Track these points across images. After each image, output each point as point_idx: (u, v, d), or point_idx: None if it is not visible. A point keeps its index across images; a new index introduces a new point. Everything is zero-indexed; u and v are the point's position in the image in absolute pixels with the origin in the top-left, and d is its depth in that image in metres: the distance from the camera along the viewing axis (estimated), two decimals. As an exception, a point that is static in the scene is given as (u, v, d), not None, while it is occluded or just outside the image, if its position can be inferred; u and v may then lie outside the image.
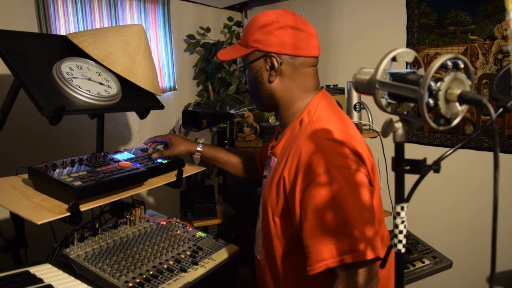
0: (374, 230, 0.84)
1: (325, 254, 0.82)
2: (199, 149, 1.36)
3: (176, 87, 2.47)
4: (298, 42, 0.99)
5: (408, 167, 0.57)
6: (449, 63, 0.53)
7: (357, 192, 0.85)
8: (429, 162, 0.54)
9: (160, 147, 1.40)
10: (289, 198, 0.93)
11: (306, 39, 1.00)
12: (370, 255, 0.80)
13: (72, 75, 1.21)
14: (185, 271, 1.09)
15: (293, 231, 0.94)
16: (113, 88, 1.31)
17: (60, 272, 0.85)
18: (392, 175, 0.60)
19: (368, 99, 1.67)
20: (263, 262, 1.06)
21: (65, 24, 1.83)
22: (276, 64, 0.99)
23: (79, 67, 1.27)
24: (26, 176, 1.12)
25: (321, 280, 0.89)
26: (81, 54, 1.30)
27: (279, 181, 0.96)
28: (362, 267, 0.82)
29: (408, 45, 2.09)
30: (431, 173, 0.54)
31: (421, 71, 0.60)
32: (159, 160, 1.33)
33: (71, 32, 1.84)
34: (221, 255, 1.22)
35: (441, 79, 0.52)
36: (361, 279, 0.82)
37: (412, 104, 0.60)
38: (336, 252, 0.81)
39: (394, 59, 0.59)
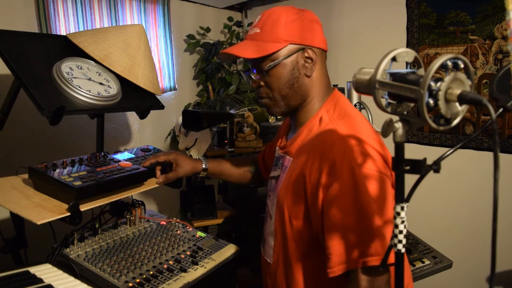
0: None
1: (346, 256, 0.81)
2: (204, 166, 1.31)
3: (176, 87, 2.47)
4: (321, 36, 0.99)
5: (408, 167, 0.56)
6: (449, 63, 0.53)
7: (380, 194, 0.82)
8: (429, 162, 0.54)
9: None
10: (310, 198, 0.90)
11: (323, 34, 1.01)
12: (391, 259, 0.78)
13: (72, 75, 1.22)
14: (185, 271, 1.09)
15: (312, 233, 0.91)
16: (113, 88, 1.31)
17: (60, 272, 0.86)
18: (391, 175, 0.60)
19: (368, 99, 1.67)
20: (274, 266, 1.03)
21: (65, 24, 1.83)
22: (313, 56, 0.96)
23: (79, 67, 1.27)
24: (26, 176, 1.12)
25: (338, 283, 0.87)
26: (81, 54, 1.30)
27: (298, 181, 0.93)
28: (382, 271, 0.81)
29: (408, 45, 2.09)
30: (431, 173, 0.54)
31: (421, 71, 0.60)
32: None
33: (71, 32, 1.84)
34: (221, 255, 1.22)
35: (441, 79, 0.52)
36: (379, 282, 0.81)
37: (412, 104, 0.60)
38: (358, 254, 0.80)
39: (394, 59, 0.59)
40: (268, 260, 1.06)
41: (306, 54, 0.96)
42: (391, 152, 0.62)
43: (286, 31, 0.95)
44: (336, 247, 0.82)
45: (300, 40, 0.95)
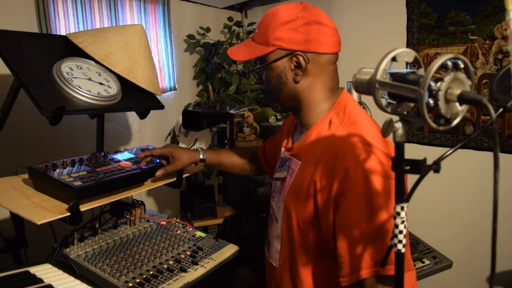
0: (409, 242, 0.81)
1: (360, 265, 0.79)
2: (201, 157, 1.29)
3: (176, 87, 2.47)
4: (324, 38, 0.92)
5: (408, 167, 0.56)
6: (449, 63, 0.53)
7: (393, 201, 0.82)
8: (429, 162, 0.54)
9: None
10: (320, 204, 0.88)
11: (330, 35, 0.93)
12: (405, 269, 0.77)
13: (72, 75, 1.22)
14: (185, 271, 1.09)
15: (321, 239, 0.90)
16: (113, 88, 1.31)
17: (60, 272, 0.86)
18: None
19: (368, 99, 1.67)
20: (280, 269, 1.01)
21: (65, 24, 1.83)
22: (303, 63, 0.92)
23: (79, 67, 1.27)
24: (26, 176, 1.12)
25: None
26: (81, 54, 1.30)
27: (308, 186, 0.90)
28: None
29: (408, 45, 2.09)
30: (430, 173, 0.54)
31: (421, 71, 0.60)
32: (159, 160, 1.32)
33: (71, 32, 1.84)
34: (221, 255, 1.22)
35: (441, 79, 0.52)
36: None
37: (412, 104, 0.60)
38: (371, 262, 0.78)
39: (394, 59, 0.59)
40: (274, 264, 1.04)
41: (295, 59, 0.93)
42: (391, 152, 0.62)
43: (276, 35, 0.92)
44: (349, 255, 0.81)
45: (289, 45, 0.92)
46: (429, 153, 2.01)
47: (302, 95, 0.97)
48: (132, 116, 2.23)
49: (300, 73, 0.94)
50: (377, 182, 0.80)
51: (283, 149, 1.10)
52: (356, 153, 0.84)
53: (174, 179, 1.34)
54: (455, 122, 0.54)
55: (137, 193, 1.20)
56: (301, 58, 0.92)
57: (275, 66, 0.95)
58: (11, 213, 1.00)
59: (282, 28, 0.91)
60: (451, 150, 0.54)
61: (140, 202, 1.37)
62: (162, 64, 2.36)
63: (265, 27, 0.95)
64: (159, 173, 1.24)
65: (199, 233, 1.33)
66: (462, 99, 0.51)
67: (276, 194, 1.06)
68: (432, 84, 0.52)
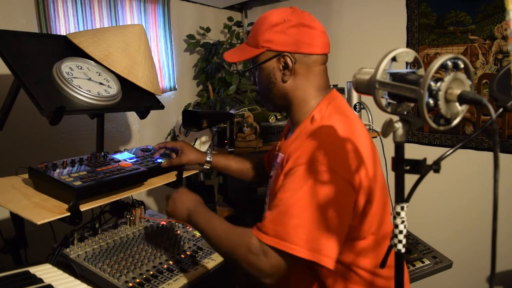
0: (322, 237, 0.82)
1: (265, 229, 0.85)
2: (208, 159, 1.36)
3: (176, 87, 2.47)
4: (311, 40, 0.98)
5: (408, 167, 0.57)
6: (449, 63, 0.53)
7: (328, 198, 0.83)
8: (429, 162, 0.54)
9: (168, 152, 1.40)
10: None
11: (318, 37, 0.99)
12: (298, 252, 0.80)
13: (72, 75, 1.22)
14: (185, 271, 1.09)
15: None
16: (113, 88, 1.31)
17: (60, 272, 0.86)
18: (392, 175, 0.60)
19: (368, 99, 1.67)
20: None
21: (65, 24, 1.83)
22: (290, 64, 0.98)
23: (79, 67, 1.27)
24: (26, 176, 1.12)
25: (334, 281, 0.91)
26: (81, 54, 1.30)
27: (280, 177, 0.94)
28: (282, 256, 0.83)
29: (408, 45, 2.09)
30: (430, 173, 0.54)
31: (421, 71, 0.60)
32: (159, 160, 1.33)
33: (71, 32, 1.84)
34: (221, 255, 1.22)
35: (441, 79, 0.52)
36: (269, 261, 0.83)
37: (412, 104, 0.60)
38: (273, 233, 0.83)
39: (394, 59, 0.59)
40: None
41: (282, 60, 0.98)
42: (390, 152, 0.62)
43: (265, 38, 0.98)
44: (265, 219, 0.86)
45: (277, 47, 0.97)
46: (429, 153, 2.01)
47: (290, 94, 1.03)
48: (132, 116, 2.23)
49: (287, 73, 1.00)
50: (317, 171, 0.84)
51: (277, 148, 1.15)
52: (315, 144, 0.87)
53: (174, 179, 1.34)
54: (455, 122, 0.54)
55: (137, 193, 1.20)
56: (288, 59, 0.98)
57: (265, 67, 1.01)
58: (11, 213, 1.00)
59: (270, 31, 0.98)
60: (451, 150, 0.54)
61: (140, 202, 1.37)
62: (162, 64, 2.36)
63: (256, 30, 1.01)
64: (164, 163, 1.32)
65: (199, 233, 1.33)
66: (462, 99, 0.51)
67: (268, 191, 1.11)
68: (432, 84, 0.52)
